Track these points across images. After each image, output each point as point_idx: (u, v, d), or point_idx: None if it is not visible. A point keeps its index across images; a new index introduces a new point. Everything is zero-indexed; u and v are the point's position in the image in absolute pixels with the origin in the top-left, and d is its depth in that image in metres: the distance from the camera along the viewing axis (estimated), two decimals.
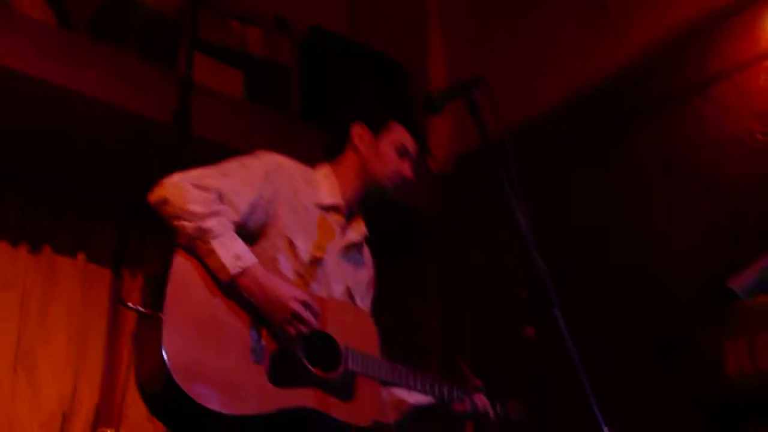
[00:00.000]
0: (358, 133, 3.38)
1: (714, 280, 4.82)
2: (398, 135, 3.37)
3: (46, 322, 6.20)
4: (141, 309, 2.79)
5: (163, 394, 2.68)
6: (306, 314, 2.88)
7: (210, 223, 2.84)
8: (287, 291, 2.88)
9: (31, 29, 5.20)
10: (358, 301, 3.34)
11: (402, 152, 3.35)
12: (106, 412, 6.33)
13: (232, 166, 3.09)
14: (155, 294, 2.79)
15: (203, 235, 2.82)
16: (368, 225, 3.47)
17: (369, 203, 3.40)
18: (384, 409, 3.19)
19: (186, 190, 2.89)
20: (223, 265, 2.81)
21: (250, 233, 3.04)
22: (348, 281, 3.28)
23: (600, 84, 5.95)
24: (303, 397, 2.84)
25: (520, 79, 6.56)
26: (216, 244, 2.82)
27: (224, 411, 2.67)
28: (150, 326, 2.74)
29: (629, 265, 5.47)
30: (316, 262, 3.12)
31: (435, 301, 6.63)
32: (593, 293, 5.50)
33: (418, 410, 3.31)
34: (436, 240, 6.84)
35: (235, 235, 2.90)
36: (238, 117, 5.89)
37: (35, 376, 6.03)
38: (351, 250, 3.33)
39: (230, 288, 2.84)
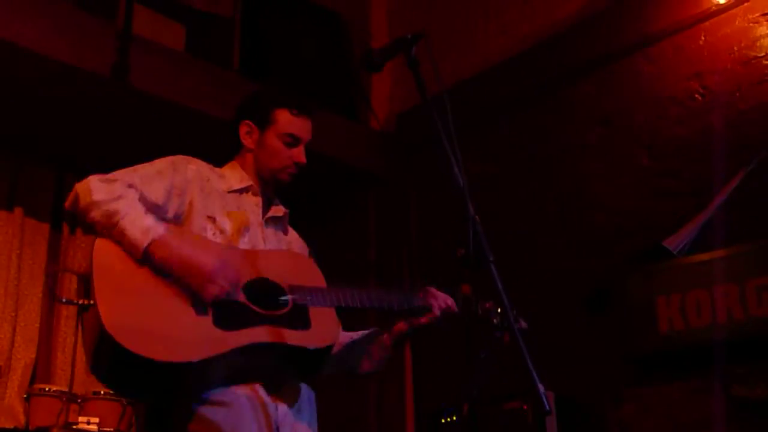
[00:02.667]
0: (245, 131, 3.33)
1: (649, 237, 4.89)
2: (283, 125, 3.29)
3: None
4: (74, 301, 2.87)
5: (112, 360, 2.73)
6: (222, 273, 2.87)
7: (116, 206, 2.88)
8: (201, 253, 2.89)
9: None
10: None
11: (289, 142, 3.29)
12: (44, 367, 6.29)
13: (141, 165, 3.11)
14: (86, 286, 2.87)
15: (111, 218, 2.86)
16: (289, 186, 3.43)
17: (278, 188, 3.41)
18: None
19: (92, 183, 2.93)
20: (134, 242, 2.84)
21: (172, 222, 3.07)
22: (281, 246, 3.31)
23: (540, 41, 5.98)
24: (256, 335, 2.85)
25: (461, 34, 6.57)
26: (124, 224, 2.85)
27: (174, 360, 2.71)
28: (89, 313, 2.82)
29: (566, 221, 5.54)
30: (243, 232, 3.16)
31: (374, 256, 6.67)
32: (528, 248, 5.57)
33: (353, 344, 3.30)
34: (377, 197, 6.85)
35: (145, 212, 2.93)
36: (179, 70, 5.81)
37: None
38: (273, 223, 3.33)
39: (146, 262, 2.86)
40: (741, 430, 4.19)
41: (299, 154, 3.29)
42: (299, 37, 6.77)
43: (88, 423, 5.21)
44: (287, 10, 6.80)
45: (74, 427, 5.22)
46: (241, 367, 2.85)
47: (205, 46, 6.21)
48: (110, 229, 2.86)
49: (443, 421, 5.11)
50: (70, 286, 6.34)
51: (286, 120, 3.30)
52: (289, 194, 3.51)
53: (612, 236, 5.24)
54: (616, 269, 5.00)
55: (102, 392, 5.30)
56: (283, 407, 2.96)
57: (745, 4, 5.03)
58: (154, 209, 3.00)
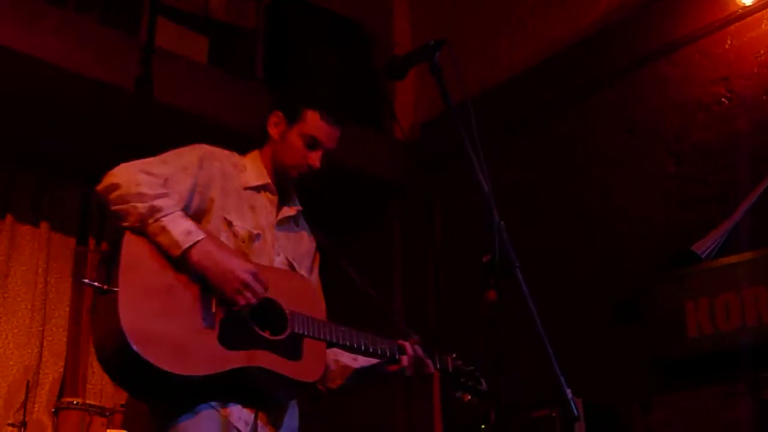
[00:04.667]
0: (274, 121, 3.43)
1: (676, 244, 4.85)
2: (309, 126, 3.37)
3: (9, 292, 6.15)
4: (97, 284, 2.95)
5: (122, 360, 2.84)
6: (255, 284, 3.01)
7: (161, 203, 2.98)
8: (237, 263, 3.02)
9: None
10: (302, 272, 3.45)
11: (310, 143, 3.36)
12: (72, 381, 6.31)
13: (169, 155, 3.24)
14: (108, 271, 2.98)
15: (155, 213, 2.96)
16: (314, 197, 3.58)
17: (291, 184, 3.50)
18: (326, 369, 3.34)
19: (136, 175, 3.04)
20: (175, 241, 2.95)
21: (191, 218, 3.18)
22: (287, 253, 3.39)
23: (565, 48, 5.95)
24: (252, 358, 2.99)
25: (485, 43, 6.55)
26: (167, 222, 2.96)
27: (176, 371, 2.84)
28: (106, 300, 2.89)
29: (593, 229, 5.50)
30: (253, 238, 3.26)
31: (399, 266, 6.65)
32: (555, 256, 5.53)
33: (359, 372, 3.44)
34: (401, 207, 6.84)
35: (184, 214, 3.05)
36: (202, 83, 5.83)
37: None
38: (286, 223, 3.43)
39: (181, 262, 2.97)
40: None
41: (315, 157, 3.37)
42: (323, 47, 6.78)
43: None
44: (310, 21, 6.80)
45: None
46: (229, 383, 2.98)
47: (229, 58, 6.22)
48: (149, 224, 2.96)
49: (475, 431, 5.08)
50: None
51: (313, 121, 3.37)
52: (313, 204, 3.58)
53: (639, 243, 5.19)
54: (644, 276, 4.96)
55: None
56: (265, 427, 3.12)
57: None
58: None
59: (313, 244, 3.56)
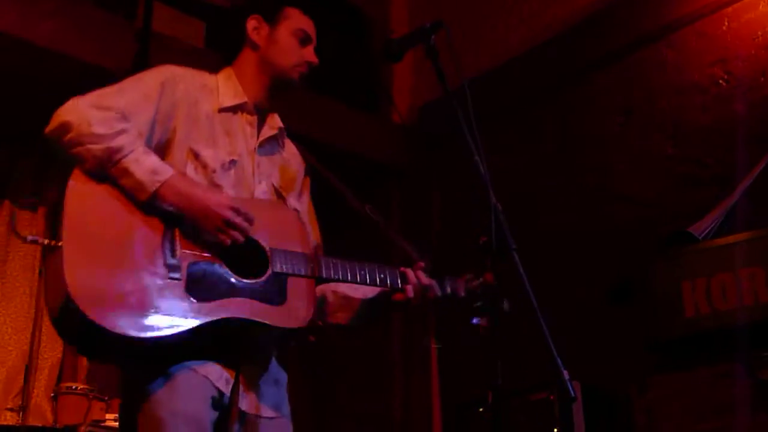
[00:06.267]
0: (254, 26, 3.09)
1: (674, 226, 4.85)
2: (296, 20, 3.11)
3: (7, 277, 6.15)
4: (40, 240, 2.58)
5: (74, 325, 2.52)
6: (238, 219, 2.69)
7: (118, 142, 2.63)
8: (215, 198, 2.70)
9: None
10: (291, 200, 3.11)
11: (303, 38, 3.10)
12: (71, 366, 6.31)
13: (128, 81, 2.87)
14: (54, 223, 2.61)
15: (114, 155, 2.62)
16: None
17: (278, 96, 3.14)
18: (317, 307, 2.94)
19: (88, 111, 2.67)
20: (140, 183, 2.62)
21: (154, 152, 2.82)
22: (272, 179, 3.04)
23: (561, 30, 5.94)
24: (228, 308, 2.64)
25: (481, 26, 6.54)
26: (128, 162, 2.62)
27: (142, 335, 2.51)
28: (53, 257, 2.53)
29: (591, 210, 5.50)
30: (228, 166, 2.90)
31: (398, 250, 6.65)
32: (555, 236, 5.53)
33: (366, 304, 3.09)
34: (400, 190, 6.84)
35: (148, 150, 2.71)
36: (199, 66, 5.77)
37: None
38: (268, 144, 3.07)
39: (150, 206, 2.64)
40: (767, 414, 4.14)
41: (311, 53, 3.12)
42: (320, 31, 6.76)
43: (115, 420, 5.23)
44: (307, 5, 6.78)
45: (101, 424, 5.24)
46: (204, 339, 2.64)
47: (225, 42, 6.20)
48: (109, 167, 2.63)
49: (473, 411, 5.09)
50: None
51: (299, 16, 3.13)
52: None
53: (637, 226, 5.19)
54: (641, 256, 4.96)
55: None
56: (249, 376, 2.80)
57: None
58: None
59: (302, 167, 3.21)
